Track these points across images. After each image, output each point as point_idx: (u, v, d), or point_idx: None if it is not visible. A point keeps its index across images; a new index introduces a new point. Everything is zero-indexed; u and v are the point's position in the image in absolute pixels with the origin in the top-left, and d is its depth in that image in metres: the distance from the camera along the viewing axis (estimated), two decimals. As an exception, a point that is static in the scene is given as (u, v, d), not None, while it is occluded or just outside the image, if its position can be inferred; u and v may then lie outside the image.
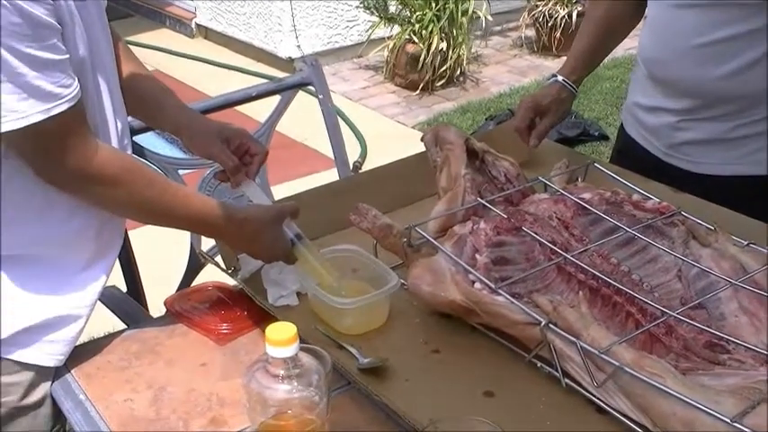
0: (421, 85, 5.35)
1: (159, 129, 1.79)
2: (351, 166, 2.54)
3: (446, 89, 5.47)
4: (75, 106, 1.24)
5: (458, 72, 5.55)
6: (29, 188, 1.30)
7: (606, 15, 1.90)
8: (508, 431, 1.16)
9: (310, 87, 2.20)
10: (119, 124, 1.45)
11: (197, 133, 1.58)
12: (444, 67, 5.37)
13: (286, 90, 2.13)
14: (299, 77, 2.14)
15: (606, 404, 1.18)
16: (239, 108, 2.25)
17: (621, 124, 1.98)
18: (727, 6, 1.60)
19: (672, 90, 1.74)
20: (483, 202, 1.51)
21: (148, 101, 1.61)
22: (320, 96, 2.13)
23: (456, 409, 1.21)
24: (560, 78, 1.87)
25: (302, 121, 2.35)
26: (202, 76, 5.79)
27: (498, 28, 6.43)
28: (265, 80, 2.77)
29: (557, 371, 1.24)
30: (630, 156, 1.89)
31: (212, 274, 1.68)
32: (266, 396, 0.99)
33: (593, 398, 1.20)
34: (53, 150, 1.25)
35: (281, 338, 0.98)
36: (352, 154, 4.43)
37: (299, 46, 5.86)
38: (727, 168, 1.74)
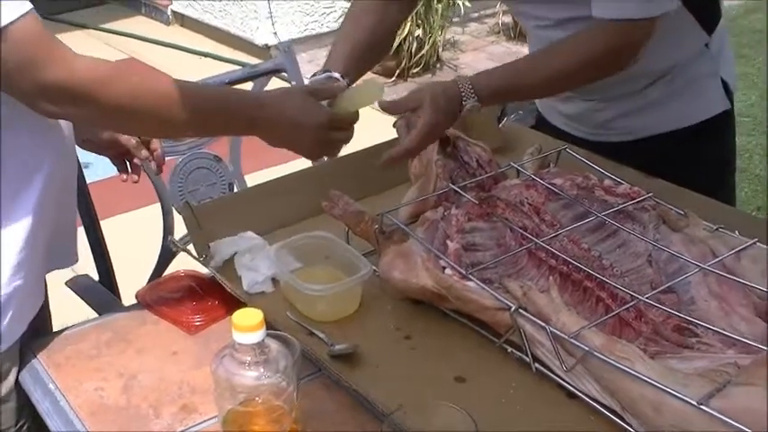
0: (397, 72, 5.34)
1: None
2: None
3: (422, 76, 5.46)
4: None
5: (434, 58, 5.54)
6: None
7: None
8: (479, 416, 1.16)
9: (285, 74, 2.20)
10: None
11: None
12: (420, 54, 5.36)
13: (259, 77, 2.12)
14: (271, 64, 2.14)
15: (576, 388, 1.19)
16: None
17: (539, 117, 1.99)
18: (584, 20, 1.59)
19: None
20: (454, 188, 1.51)
21: None
22: (293, 83, 2.13)
23: (427, 394, 1.20)
24: None
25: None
26: (178, 64, 5.75)
27: (476, 14, 6.42)
28: (240, 67, 2.76)
29: (527, 356, 1.24)
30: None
31: (185, 262, 1.67)
32: (234, 382, 0.99)
33: (564, 382, 1.20)
34: (36, 61, 1.22)
35: (247, 324, 0.98)
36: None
37: (275, 33, 5.83)
38: (655, 129, 1.79)
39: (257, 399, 1.00)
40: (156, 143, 1.70)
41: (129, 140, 1.65)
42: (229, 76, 2.11)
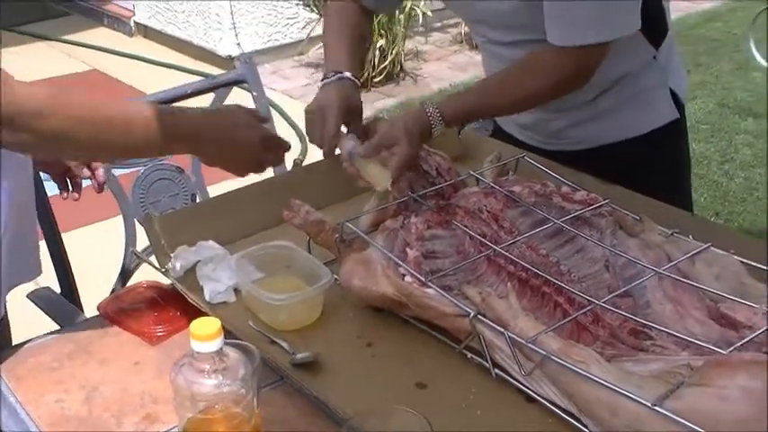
0: (360, 82, 5.34)
1: None
2: (292, 164, 2.55)
3: (386, 86, 5.49)
4: None
5: (398, 68, 5.57)
6: None
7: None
8: (439, 421, 1.18)
9: (246, 85, 2.21)
10: None
11: None
12: (384, 64, 5.38)
13: (220, 87, 2.13)
14: (233, 75, 2.15)
15: (535, 392, 1.20)
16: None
17: (496, 126, 2.03)
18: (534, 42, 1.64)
19: None
20: (414, 196, 1.53)
21: None
22: (254, 93, 2.13)
23: (388, 401, 1.22)
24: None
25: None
26: (141, 75, 5.74)
27: (438, 24, 6.47)
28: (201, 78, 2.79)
29: (487, 361, 1.26)
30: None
31: (148, 273, 1.67)
32: (193, 391, 0.99)
33: (523, 386, 1.22)
34: None
35: (205, 333, 0.99)
36: (293, 152, 4.42)
37: (238, 44, 5.84)
38: (606, 138, 1.83)
39: (216, 407, 1.00)
40: (97, 162, 1.71)
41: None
42: (190, 88, 2.11)
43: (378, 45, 5.27)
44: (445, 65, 5.95)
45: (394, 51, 5.42)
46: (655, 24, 1.73)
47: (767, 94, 4.79)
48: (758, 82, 5.21)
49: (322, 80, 1.72)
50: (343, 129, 1.66)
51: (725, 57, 5.66)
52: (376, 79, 5.43)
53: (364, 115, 1.72)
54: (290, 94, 5.40)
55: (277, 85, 5.55)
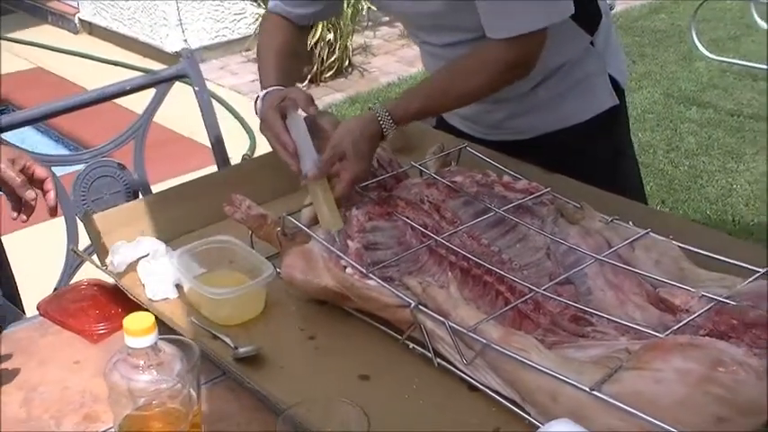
0: (309, 77, 5.34)
1: None
2: (240, 160, 2.53)
3: (335, 80, 5.48)
4: None
5: (346, 63, 5.56)
6: None
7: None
8: (382, 412, 1.18)
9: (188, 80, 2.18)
10: None
11: None
12: (332, 59, 5.37)
13: (161, 83, 2.10)
14: (174, 70, 2.12)
15: (477, 381, 1.21)
16: (120, 102, 2.22)
17: (439, 118, 2.03)
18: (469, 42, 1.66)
19: None
20: (356, 188, 1.53)
21: None
22: (196, 89, 2.12)
23: (330, 393, 1.21)
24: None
25: (192, 115, 2.34)
26: (87, 73, 5.66)
27: (386, 18, 6.46)
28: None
29: (429, 351, 1.26)
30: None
31: (91, 272, 1.65)
32: (128, 387, 0.98)
33: (465, 376, 1.22)
34: None
35: (139, 328, 0.98)
36: (242, 147, 4.40)
37: (185, 40, 5.78)
38: (547, 127, 1.84)
39: (153, 403, 0.99)
40: (49, 184, 1.59)
41: (14, 179, 1.54)
42: (129, 84, 2.09)
43: (326, 39, 5.25)
44: (393, 59, 5.94)
45: (342, 46, 5.41)
46: (587, 11, 1.74)
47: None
48: (701, 72, 5.28)
49: (256, 99, 1.70)
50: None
51: (670, 48, 5.72)
52: (325, 74, 5.42)
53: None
54: (239, 90, 5.37)
55: (225, 80, 5.51)
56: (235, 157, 2.35)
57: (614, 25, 1.87)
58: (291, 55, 1.81)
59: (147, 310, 1.39)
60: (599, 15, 1.79)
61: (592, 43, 1.78)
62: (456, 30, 1.68)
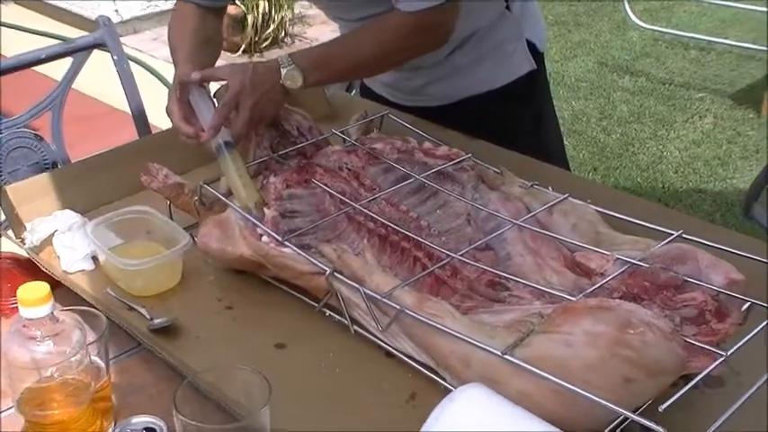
0: (242, 47, 5.28)
1: None
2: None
3: (271, 50, 5.41)
4: None
5: (282, 33, 5.50)
6: None
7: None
8: (298, 380, 1.17)
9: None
10: None
11: None
12: (269, 30, 5.31)
13: (78, 52, 2.05)
14: (91, 38, 2.08)
15: (393, 347, 1.20)
16: (39, 69, 2.16)
17: (363, 85, 2.03)
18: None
19: None
20: (275, 156, 1.51)
21: None
22: (115, 57, 2.07)
23: (246, 362, 1.19)
24: None
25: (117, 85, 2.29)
26: (13, 44, 5.52)
27: (322, -12, 6.39)
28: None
29: (345, 318, 1.25)
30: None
31: (6, 245, 1.61)
32: (25, 360, 0.95)
33: (381, 342, 1.22)
34: None
35: (33, 298, 0.95)
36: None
37: (116, 10, 5.67)
38: (466, 92, 1.83)
39: (55, 375, 0.97)
40: None
41: None
42: (44, 52, 2.03)
43: (260, 10, 5.19)
44: (329, 28, 5.87)
45: (279, 17, 5.35)
46: None
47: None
48: (634, 41, 5.32)
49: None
50: None
51: (604, 17, 5.75)
52: (262, 45, 5.36)
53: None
54: (171, 61, 5.27)
55: (158, 52, 5.40)
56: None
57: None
58: (204, 43, 1.73)
59: (60, 282, 1.37)
60: None
61: (508, 8, 1.77)
62: (369, 3, 1.65)
